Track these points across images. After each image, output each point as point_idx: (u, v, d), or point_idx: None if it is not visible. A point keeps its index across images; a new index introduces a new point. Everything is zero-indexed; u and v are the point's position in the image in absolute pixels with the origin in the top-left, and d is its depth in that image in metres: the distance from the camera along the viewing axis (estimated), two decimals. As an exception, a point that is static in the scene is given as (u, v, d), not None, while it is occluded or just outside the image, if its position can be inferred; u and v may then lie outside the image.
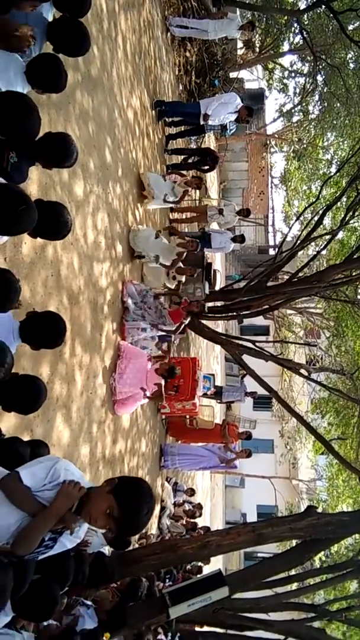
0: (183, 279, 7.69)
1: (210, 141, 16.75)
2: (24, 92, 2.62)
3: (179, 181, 7.81)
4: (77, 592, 3.36)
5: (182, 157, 9.98)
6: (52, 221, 2.30)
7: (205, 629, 6.80)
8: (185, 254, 7.15)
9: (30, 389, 2.34)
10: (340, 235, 13.66)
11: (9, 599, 1.94)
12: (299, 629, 5.89)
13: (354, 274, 10.20)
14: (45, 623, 2.51)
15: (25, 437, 3.58)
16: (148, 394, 6.09)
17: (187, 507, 9.51)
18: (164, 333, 6.61)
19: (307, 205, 14.66)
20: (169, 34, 9.77)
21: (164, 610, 4.27)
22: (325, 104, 18.31)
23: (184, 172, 9.26)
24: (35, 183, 3.73)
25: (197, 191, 11.58)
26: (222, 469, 10.40)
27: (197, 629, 6.95)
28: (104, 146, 5.47)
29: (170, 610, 4.24)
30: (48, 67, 2.54)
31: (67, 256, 4.35)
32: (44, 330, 2.44)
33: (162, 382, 6.32)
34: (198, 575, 7.32)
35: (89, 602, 3.55)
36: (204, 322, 9.14)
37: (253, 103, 21.34)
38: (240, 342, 10.32)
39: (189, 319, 6.67)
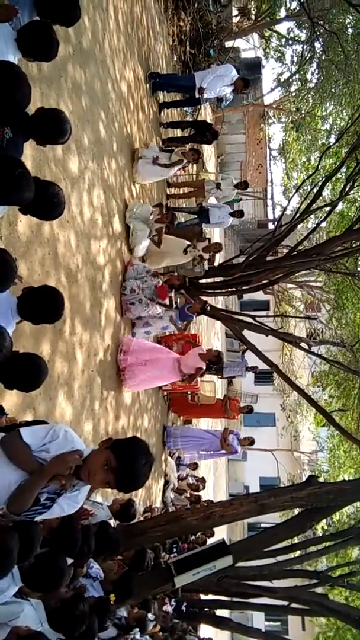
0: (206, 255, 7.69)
1: (206, 113, 16.45)
2: (15, 61, 2.57)
3: (177, 149, 7.68)
4: (83, 563, 3.44)
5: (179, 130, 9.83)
6: (45, 201, 2.28)
7: (210, 597, 7.00)
8: (164, 229, 7.12)
9: (30, 366, 2.36)
10: (340, 206, 13.51)
11: (15, 563, 1.99)
12: (302, 595, 6.05)
13: (354, 245, 10.15)
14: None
15: (28, 416, 3.62)
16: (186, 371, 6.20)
17: (190, 480, 9.66)
18: (164, 310, 6.60)
19: (306, 177, 14.48)
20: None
21: (170, 580, 4.37)
22: (324, 71, 17.91)
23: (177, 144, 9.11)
24: (29, 160, 3.68)
25: (195, 165, 11.42)
26: (224, 455, 10.49)
27: (202, 597, 7.15)
28: (97, 121, 5.38)
29: (175, 579, 4.34)
30: (39, 34, 2.48)
31: (63, 234, 4.32)
32: (42, 305, 2.43)
33: (204, 367, 6.40)
34: (203, 546, 7.48)
35: (94, 575, 3.64)
36: (204, 298, 9.11)
37: (249, 73, 20.90)
38: (240, 317, 10.33)
39: (173, 293, 6.66)
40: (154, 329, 6.89)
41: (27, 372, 2.34)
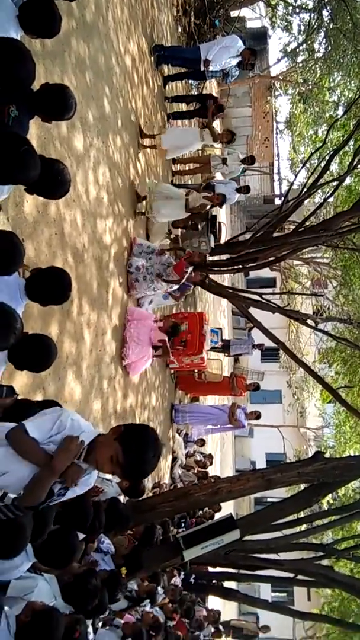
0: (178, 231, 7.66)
1: (211, 86, 16.12)
2: (17, 37, 2.51)
3: (209, 130, 7.71)
4: (94, 538, 3.52)
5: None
6: (51, 179, 2.25)
7: (218, 569, 7.15)
8: (208, 206, 7.11)
9: (40, 347, 2.37)
10: (347, 181, 13.30)
11: (28, 542, 2.03)
12: (308, 567, 6.17)
13: (361, 221, 10.02)
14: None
15: (38, 396, 3.66)
16: (152, 352, 6.16)
17: (198, 457, 9.78)
18: (169, 285, 6.57)
19: (313, 151, 14.23)
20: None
21: (179, 553, 4.46)
22: (332, 41, 17.41)
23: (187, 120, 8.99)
24: (34, 138, 3.63)
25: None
26: (231, 429, 10.61)
27: (210, 569, 7.31)
28: (102, 96, 5.29)
29: (184, 553, 4.43)
30: (41, 10, 2.42)
31: (69, 214, 4.30)
32: (50, 286, 2.43)
33: (166, 339, 6.37)
34: (210, 520, 7.61)
35: (105, 550, 3.72)
36: (211, 276, 9.08)
37: (256, 43, 20.36)
38: (247, 295, 10.30)
39: (191, 269, 6.63)
40: (156, 303, 6.89)
41: (37, 353, 2.36)
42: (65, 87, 2.36)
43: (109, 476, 4.56)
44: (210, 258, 9.77)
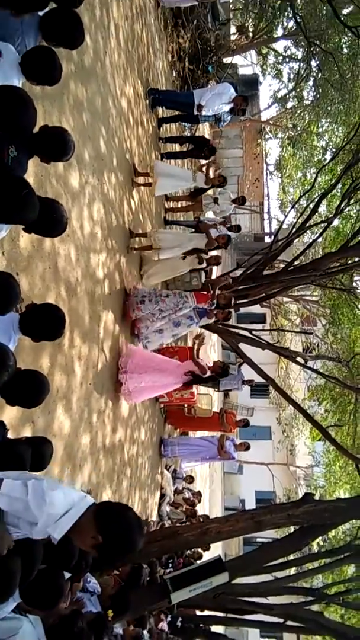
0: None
1: (204, 128, 16.64)
2: (19, 84, 2.62)
3: (203, 175, 7.94)
4: (80, 577, 3.42)
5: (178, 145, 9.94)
6: (48, 218, 2.31)
7: (206, 612, 6.93)
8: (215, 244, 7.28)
9: (33, 384, 2.37)
10: (335, 222, 13.65)
11: (17, 586, 1.98)
12: (298, 612, 6.02)
13: (349, 262, 10.24)
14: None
15: (27, 429, 3.62)
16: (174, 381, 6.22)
17: (186, 494, 9.62)
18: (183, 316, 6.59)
19: (302, 194, 14.66)
20: (159, 8, 9.59)
21: (166, 596, 4.35)
22: (320, 90, 18.19)
23: (180, 160, 9.25)
24: (31, 175, 3.72)
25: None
26: (221, 460, 10.52)
27: (198, 612, 7.08)
28: (98, 136, 5.45)
29: (172, 595, 4.32)
30: (43, 59, 2.54)
31: (64, 248, 4.36)
32: (44, 323, 2.45)
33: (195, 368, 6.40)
34: (198, 561, 7.43)
35: (91, 590, 3.61)
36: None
37: (247, 89, 21.18)
38: (237, 330, 10.37)
39: (214, 305, 6.69)
40: (167, 334, 6.86)
41: (30, 390, 2.35)
42: (64, 131, 2.45)
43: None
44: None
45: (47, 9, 2.73)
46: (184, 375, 6.37)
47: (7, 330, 2.41)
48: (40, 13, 2.72)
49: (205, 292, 6.56)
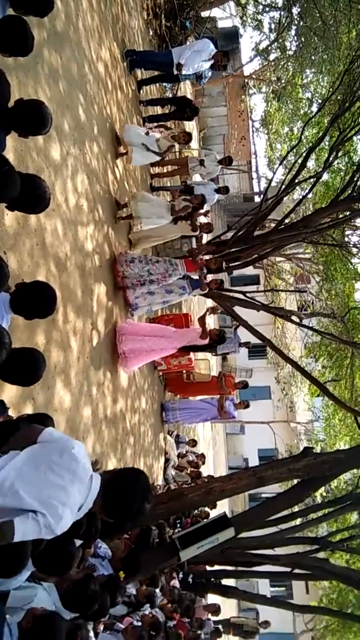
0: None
1: (186, 87, 16.19)
2: (-10, 58, 2.55)
3: (165, 134, 7.56)
4: (91, 544, 3.55)
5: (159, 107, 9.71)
6: (31, 195, 2.29)
7: (216, 567, 7.21)
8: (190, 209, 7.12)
9: (29, 362, 2.39)
10: (325, 176, 13.47)
11: (29, 558, 2.07)
12: (304, 561, 6.27)
13: (339, 217, 10.18)
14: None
15: (28, 406, 3.68)
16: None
17: (190, 457, 9.83)
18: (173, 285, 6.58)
19: (289, 149, 14.39)
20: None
21: (175, 554, 4.51)
22: (302, 39, 17.63)
23: (164, 123, 9.02)
24: (11, 151, 3.65)
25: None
26: (222, 420, 10.71)
27: (208, 568, 7.36)
28: (77, 105, 5.31)
29: (180, 553, 4.49)
30: (14, 29, 2.46)
31: (50, 223, 4.32)
32: (34, 301, 2.46)
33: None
34: (205, 520, 7.67)
35: (102, 554, 3.75)
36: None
37: (227, 43, 20.51)
38: (231, 294, 10.38)
39: (205, 272, 6.65)
40: (158, 297, 6.87)
41: (26, 368, 2.38)
42: (40, 103, 2.40)
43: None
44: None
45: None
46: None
47: (-1, 311, 2.42)
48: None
49: (194, 260, 6.51)
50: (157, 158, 7.40)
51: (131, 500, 2.13)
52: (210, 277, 7.15)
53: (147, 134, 7.20)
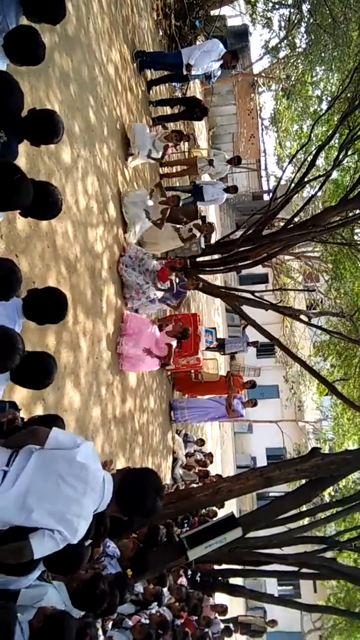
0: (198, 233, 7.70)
1: (195, 86, 16.18)
2: (3, 65, 2.59)
3: (159, 134, 7.54)
4: (100, 543, 3.60)
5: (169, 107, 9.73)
6: (43, 202, 2.33)
7: (223, 566, 7.25)
8: (169, 211, 7.08)
9: (41, 366, 2.43)
10: (334, 174, 13.41)
11: (40, 561, 2.12)
12: (312, 560, 6.27)
13: (349, 215, 10.14)
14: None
15: (39, 407, 3.74)
16: (158, 353, 6.20)
17: (198, 456, 9.87)
18: (164, 293, 6.66)
19: (299, 148, 14.35)
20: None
21: (183, 553, 4.55)
22: (312, 36, 17.54)
23: (171, 123, 9.04)
24: (23, 155, 3.71)
25: (186, 143, 11.32)
26: (230, 419, 10.73)
27: (216, 567, 7.40)
28: (87, 107, 5.36)
29: (188, 553, 4.53)
30: (25, 40, 2.50)
31: (61, 226, 4.37)
32: (46, 307, 2.51)
33: (174, 344, 6.43)
34: (214, 519, 7.71)
35: (111, 553, 3.80)
36: (203, 276, 9.16)
37: (237, 41, 20.43)
38: (239, 293, 10.39)
39: (174, 275, 6.68)
40: (153, 308, 6.97)
41: (38, 372, 2.43)
42: (53, 113, 2.44)
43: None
44: (201, 258, 9.88)
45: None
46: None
47: (12, 315, 2.47)
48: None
49: (163, 269, 6.51)
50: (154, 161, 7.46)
51: (145, 498, 2.21)
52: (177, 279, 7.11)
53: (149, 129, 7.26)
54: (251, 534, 5.73)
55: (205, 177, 10.28)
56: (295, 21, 18.32)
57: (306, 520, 7.56)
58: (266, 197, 24.27)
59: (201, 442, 10.40)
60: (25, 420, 2.71)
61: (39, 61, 2.57)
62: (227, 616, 8.58)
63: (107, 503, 2.14)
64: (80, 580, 2.63)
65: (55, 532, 2.01)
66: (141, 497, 2.21)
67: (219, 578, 7.70)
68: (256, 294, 10.38)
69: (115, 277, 6.01)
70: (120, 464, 5.62)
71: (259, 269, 19.87)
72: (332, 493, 14.68)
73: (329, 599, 17.70)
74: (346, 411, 15.50)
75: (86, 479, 2.04)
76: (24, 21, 2.73)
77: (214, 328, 13.29)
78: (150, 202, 6.76)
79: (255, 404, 9.83)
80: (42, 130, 2.38)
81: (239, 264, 10.15)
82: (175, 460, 8.83)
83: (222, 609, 7.87)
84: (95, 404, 5.03)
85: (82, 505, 2.04)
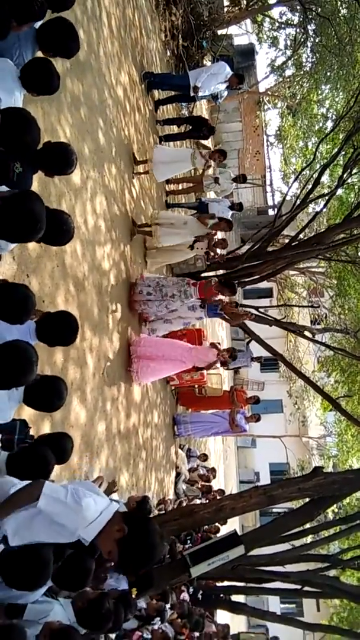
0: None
1: (201, 104, 16.43)
2: (20, 96, 2.72)
3: (204, 153, 7.86)
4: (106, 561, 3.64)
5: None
6: (57, 230, 2.43)
7: (226, 583, 7.24)
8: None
9: (53, 389, 2.51)
10: (339, 192, 13.55)
11: (51, 573, 2.19)
12: (314, 578, 6.27)
13: (353, 233, 10.24)
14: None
15: (46, 423, 3.81)
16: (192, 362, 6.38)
17: (201, 471, 9.89)
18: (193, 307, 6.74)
19: (304, 166, 14.52)
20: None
21: (186, 570, 4.59)
22: (318, 56, 17.80)
23: (179, 142, 9.23)
24: (35, 178, 3.79)
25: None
26: (233, 434, 10.75)
27: (219, 583, 7.39)
28: (96, 129, 5.50)
29: (191, 570, 4.56)
30: (41, 71, 2.63)
31: (70, 245, 4.47)
32: (58, 330, 2.60)
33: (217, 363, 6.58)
34: (217, 535, 7.72)
35: (116, 568, 3.84)
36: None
37: (243, 59, 20.76)
38: (244, 309, 10.46)
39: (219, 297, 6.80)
40: (175, 325, 7.03)
41: (50, 397, 2.51)
42: (67, 146, 2.55)
43: (116, 497, 4.67)
44: (206, 274, 9.99)
45: (43, 21, 2.80)
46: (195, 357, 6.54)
47: (25, 337, 2.56)
48: (36, 25, 2.80)
49: (206, 283, 6.63)
50: (183, 168, 7.63)
51: (148, 549, 2.34)
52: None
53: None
54: (254, 552, 5.74)
55: (211, 194, 10.42)
56: (301, 40, 18.59)
57: (309, 539, 7.55)
58: (271, 212, 24.46)
59: (204, 457, 10.41)
60: (34, 437, 2.78)
61: (54, 91, 2.69)
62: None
63: (113, 512, 2.21)
64: (86, 599, 2.68)
65: (69, 486, 2.15)
66: (145, 547, 2.32)
67: (221, 595, 7.68)
68: (260, 310, 10.48)
69: (121, 293, 6.11)
70: (124, 479, 5.67)
71: (263, 284, 19.95)
72: (336, 510, 14.61)
73: (332, 618, 17.50)
74: (350, 428, 15.48)
75: (96, 492, 2.16)
76: (39, 53, 2.87)
77: (219, 343, 13.34)
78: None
79: (258, 419, 9.86)
80: (56, 163, 2.50)
81: (244, 279, 10.25)
82: (178, 475, 8.86)
83: (224, 633, 7.83)
84: (101, 419, 5.10)
85: (93, 494, 2.19)
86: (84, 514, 2.12)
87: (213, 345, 7.28)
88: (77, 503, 2.07)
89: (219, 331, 17.78)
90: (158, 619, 4.61)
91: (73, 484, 2.20)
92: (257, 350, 11.76)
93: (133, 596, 3.45)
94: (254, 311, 10.39)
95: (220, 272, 10.50)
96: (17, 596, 2.50)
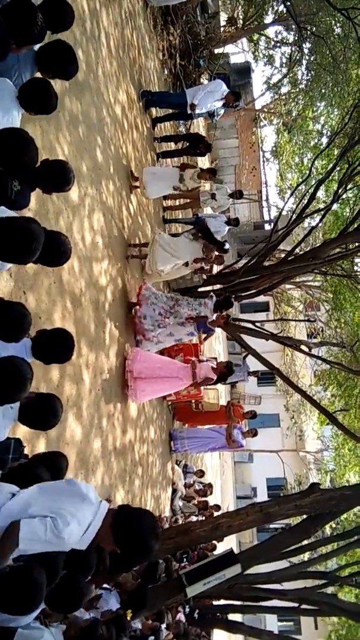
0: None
1: (199, 121, 16.62)
2: (18, 115, 2.76)
3: (191, 173, 7.88)
4: (101, 580, 3.60)
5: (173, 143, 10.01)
6: (54, 251, 2.45)
7: (222, 601, 7.16)
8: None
9: (48, 408, 2.51)
10: (334, 206, 13.69)
11: (44, 596, 2.16)
12: (312, 596, 6.21)
13: (349, 248, 10.33)
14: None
15: (41, 440, 3.79)
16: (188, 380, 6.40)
17: (197, 487, 9.82)
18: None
19: (300, 181, 14.67)
20: (148, 9, 9.59)
21: (182, 590, 4.54)
22: (312, 73, 18.09)
23: (176, 158, 9.32)
24: (34, 195, 3.83)
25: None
26: (231, 449, 10.72)
27: (215, 602, 7.30)
28: (94, 147, 5.56)
29: (187, 589, 4.52)
30: (38, 91, 2.67)
31: (67, 262, 4.48)
32: (54, 348, 2.61)
33: (214, 378, 6.61)
34: (213, 553, 7.64)
35: (109, 586, 3.80)
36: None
37: (239, 77, 21.09)
38: (241, 323, 10.50)
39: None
40: (167, 344, 7.07)
41: (45, 415, 2.50)
42: (65, 164, 2.59)
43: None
44: (202, 289, 10.03)
45: (42, 43, 2.85)
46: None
47: (20, 354, 2.55)
48: (36, 47, 2.85)
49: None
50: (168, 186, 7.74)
51: (143, 538, 2.25)
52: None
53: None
54: (251, 569, 5.69)
55: (208, 210, 10.51)
56: (297, 59, 18.90)
57: (306, 555, 7.49)
58: (267, 227, 24.65)
59: (201, 473, 10.35)
60: (29, 457, 2.77)
61: (51, 111, 2.73)
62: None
63: (102, 518, 2.19)
64: (78, 627, 2.65)
65: (47, 519, 2.06)
66: (139, 535, 2.26)
67: (218, 614, 7.58)
68: (257, 324, 10.51)
69: (118, 309, 6.12)
70: (119, 496, 5.63)
71: (260, 298, 20.02)
72: (334, 525, 14.49)
73: (329, 636, 17.28)
74: (347, 442, 15.43)
75: (84, 494, 2.17)
76: (38, 75, 2.92)
77: (215, 358, 13.33)
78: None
79: (255, 434, 9.84)
80: (54, 180, 2.53)
81: (240, 294, 10.30)
82: (174, 491, 8.79)
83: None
84: (97, 435, 5.07)
85: (78, 509, 2.13)
86: (66, 543, 2.13)
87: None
88: (57, 537, 2.05)
89: (215, 345, 17.77)
90: (152, 638, 4.54)
91: (57, 495, 2.15)
92: (254, 364, 11.75)
93: (128, 618, 3.40)
94: (250, 325, 10.44)
95: (217, 286, 10.55)
96: (10, 620, 2.47)
